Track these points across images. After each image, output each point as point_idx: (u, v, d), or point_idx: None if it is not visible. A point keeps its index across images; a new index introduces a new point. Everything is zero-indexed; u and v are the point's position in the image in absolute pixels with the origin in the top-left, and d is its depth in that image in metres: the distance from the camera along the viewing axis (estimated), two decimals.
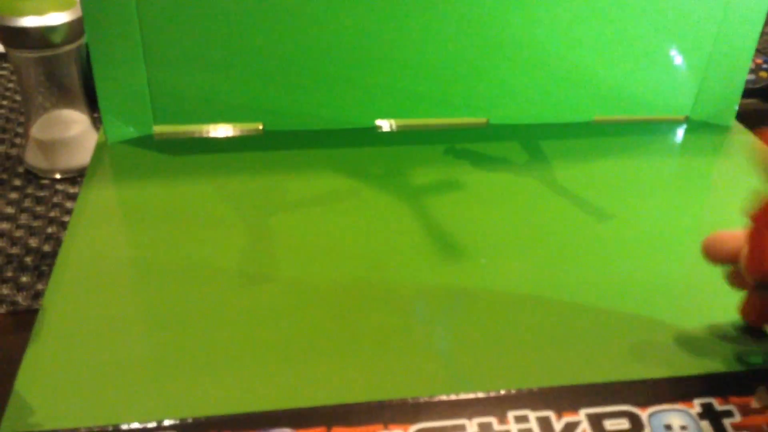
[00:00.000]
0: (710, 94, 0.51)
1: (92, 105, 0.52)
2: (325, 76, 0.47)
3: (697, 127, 0.52)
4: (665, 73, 0.50)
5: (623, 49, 0.49)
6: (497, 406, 0.28)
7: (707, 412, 0.29)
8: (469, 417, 0.28)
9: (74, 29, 0.48)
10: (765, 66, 0.74)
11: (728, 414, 0.29)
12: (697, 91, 0.51)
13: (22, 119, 0.60)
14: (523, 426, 0.28)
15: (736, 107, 0.52)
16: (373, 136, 0.49)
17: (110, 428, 0.27)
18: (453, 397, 0.29)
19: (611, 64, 0.49)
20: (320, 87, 0.47)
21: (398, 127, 0.50)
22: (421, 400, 0.29)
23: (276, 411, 0.28)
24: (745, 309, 0.33)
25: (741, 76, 0.50)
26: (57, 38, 0.48)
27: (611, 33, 0.48)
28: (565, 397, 0.29)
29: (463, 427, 0.27)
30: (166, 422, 0.27)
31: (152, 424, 0.27)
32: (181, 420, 0.27)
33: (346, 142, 0.47)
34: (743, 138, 0.51)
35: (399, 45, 0.46)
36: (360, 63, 0.47)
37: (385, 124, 0.50)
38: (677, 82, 0.51)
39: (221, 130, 0.48)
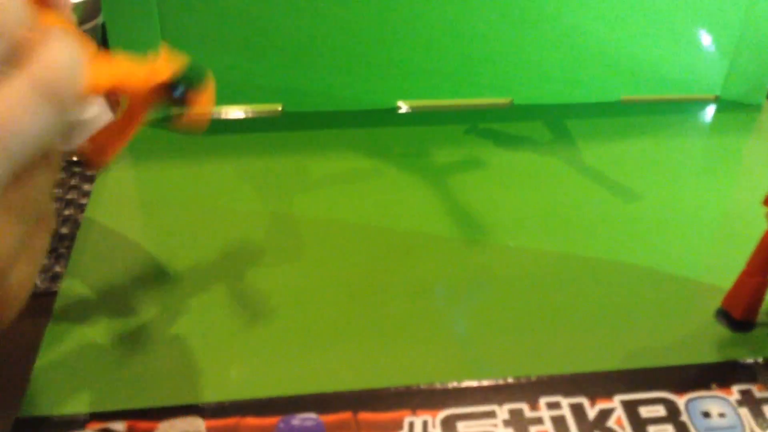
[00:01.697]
0: (741, 73, 0.49)
1: None
2: (345, 56, 0.46)
3: (727, 106, 0.50)
4: (695, 52, 0.49)
5: (651, 28, 0.47)
6: (529, 392, 0.28)
7: (747, 399, 0.28)
8: (500, 403, 0.27)
9: (90, 8, 0.48)
10: None
11: (767, 401, 0.28)
12: (728, 70, 0.49)
13: None
14: (555, 412, 0.27)
15: (767, 87, 0.50)
16: (394, 116, 0.48)
17: (131, 411, 0.26)
18: (484, 383, 0.28)
19: (639, 42, 0.48)
20: (340, 67, 0.46)
21: (420, 107, 0.49)
22: (450, 386, 0.28)
23: (301, 396, 0.27)
24: None
25: None
26: (74, 14, 0.47)
27: (639, 11, 0.47)
28: (599, 384, 0.28)
29: (493, 414, 0.27)
30: (190, 404, 0.27)
31: (175, 406, 0.26)
32: (205, 404, 0.27)
33: (368, 123, 0.46)
34: None
35: (420, 24, 0.45)
36: (381, 43, 0.46)
37: (406, 106, 0.49)
38: (707, 61, 0.49)
39: (240, 111, 0.47)
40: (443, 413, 0.27)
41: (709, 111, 0.50)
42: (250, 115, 0.47)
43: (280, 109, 0.47)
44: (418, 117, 0.48)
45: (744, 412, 0.27)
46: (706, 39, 0.48)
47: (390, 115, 0.48)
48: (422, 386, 0.28)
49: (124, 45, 0.43)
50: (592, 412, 0.27)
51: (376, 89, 0.47)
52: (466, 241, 0.36)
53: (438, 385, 0.28)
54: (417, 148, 0.44)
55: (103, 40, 0.46)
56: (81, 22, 0.48)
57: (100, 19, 0.49)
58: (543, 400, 0.27)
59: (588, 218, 0.38)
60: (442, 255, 0.36)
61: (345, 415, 0.26)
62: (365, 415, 0.26)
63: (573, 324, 0.31)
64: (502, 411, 0.27)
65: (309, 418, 0.26)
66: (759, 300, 0.30)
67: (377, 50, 0.46)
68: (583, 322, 0.32)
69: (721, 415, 0.27)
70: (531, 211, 0.39)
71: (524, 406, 0.27)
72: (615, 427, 0.26)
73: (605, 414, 0.27)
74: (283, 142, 0.44)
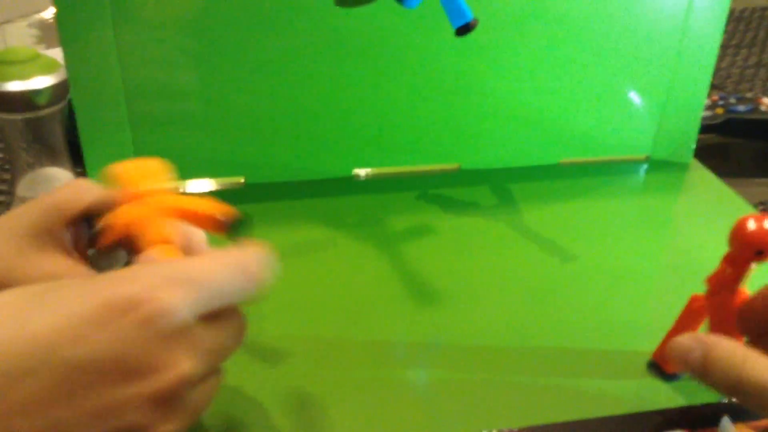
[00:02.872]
0: (668, 133, 0.54)
1: (75, 161, 0.53)
2: (303, 129, 0.49)
3: (657, 165, 0.55)
4: (625, 115, 0.53)
5: (583, 95, 0.52)
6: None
7: None
8: None
9: (58, 91, 0.50)
10: (721, 102, 0.77)
11: None
12: (656, 131, 0.54)
13: (7, 176, 0.61)
14: None
15: (694, 145, 0.54)
16: (350, 184, 0.51)
17: None
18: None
19: (573, 109, 0.52)
20: (299, 139, 0.49)
21: (374, 175, 0.52)
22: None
23: None
24: None
25: (697, 115, 0.53)
26: (42, 101, 0.49)
27: (571, 80, 0.51)
28: None
29: None
30: None
31: None
32: None
33: (326, 192, 0.49)
34: (701, 175, 0.54)
35: (373, 96, 0.49)
36: (337, 116, 0.49)
37: (362, 173, 0.52)
38: (637, 123, 0.54)
39: (204, 185, 0.50)
40: None
41: (641, 171, 0.54)
42: (213, 188, 0.50)
43: (242, 181, 0.50)
44: (372, 184, 0.51)
45: None
46: (634, 102, 0.53)
47: (346, 183, 0.51)
48: None
49: (93, 129, 0.45)
50: None
51: (332, 159, 0.50)
52: (417, 307, 0.39)
53: None
54: (372, 215, 0.47)
55: (69, 117, 0.48)
56: (49, 104, 0.51)
57: (67, 100, 0.51)
58: None
59: (529, 280, 0.42)
60: (395, 322, 0.38)
61: None
62: None
63: (511, 380, 0.34)
64: None
65: None
66: None
67: (332, 122, 0.49)
68: (521, 378, 0.34)
69: None
70: (476, 275, 0.42)
71: None
72: None
73: None
74: (244, 214, 0.47)
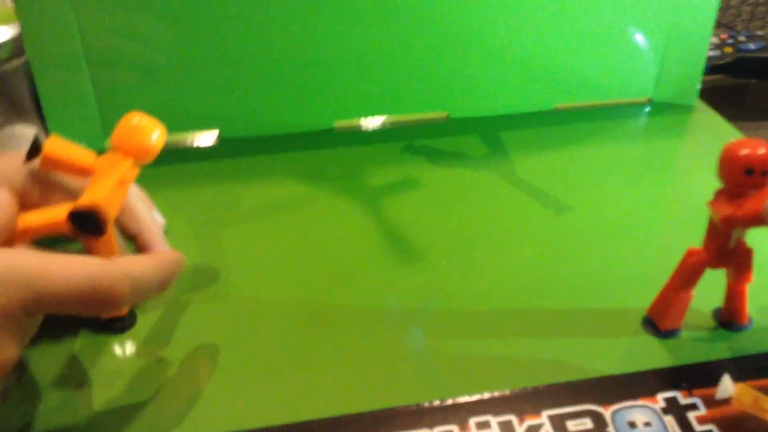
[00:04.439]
0: (671, 74, 0.51)
1: (43, 118, 0.51)
2: (280, 79, 0.46)
3: (660, 108, 0.51)
4: (625, 56, 0.50)
5: (581, 36, 0.48)
6: (457, 413, 0.28)
7: (671, 407, 0.28)
8: (430, 426, 0.27)
9: (20, 43, 0.47)
10: (730, 41, 0.73)
11: (693, 407, 0.28)
12: (658, 72, 0.51)
13: None
14: None
15: (698, 86, 0.51)
16: (332, 137, 0.48)
17: None
18: (411, 407, 0.28)
19: (570, 51, 0.49)
20: (276, 91, 0.46)
21: (357, 126, 0.49)
22: (376, 412, 0.28)
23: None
24: None
25: (701, 55, 0.50)
26: (3, 54, 0.47)
27: (568, 20, 0.47)
28: (527, 400, 0.28)
29: None
30: None
31: None
32: None
33: (305, 146, 0.46)
34: (706, 116, 0.51)
35: (354, 44, 0.46)
36: (316, 64, 0.46)
37: (342, 125, 0.49)
38: (637, 64, 0.50)
39: (175, 140, 0.47)
40: None
41: (643, 114, 0.51)
42: (185, 144, 0.47)
43: (216, 135, 0.47)
44: (355, 137, 0.48)
45: (669, 419, 0.28)
46: (634, 43, 0.49)
47: (328, 136, 0.48)
48: (350, 415, 0.28)
49: (50, 80, 0.43)
50: (520, 430, 0.27)
51: (312, 110, 0.47)
52: (401, 264, 0.36)
53: (366, 413, 0.28)
54: (354, 169, 0.44)
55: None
56: (12, 57, 0.48)
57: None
58: (473, 421, 0.28)
59: (522, 231, 0.39)
60: (383, 278, 0.36)
61: None
62: None
63: (502, 341, 0.32)
64: None
65: None
66: (682, 311, 0.31)
67: (312, 71, 0.46)
68: (514, 337, 0.32)
69: (647, 424, 0.28)
70: (463, 229, 0.39)
71: (454, 428, 0.27)
72: None
73: (533, 430, 0.27)
74: (218, 170, 0.44)
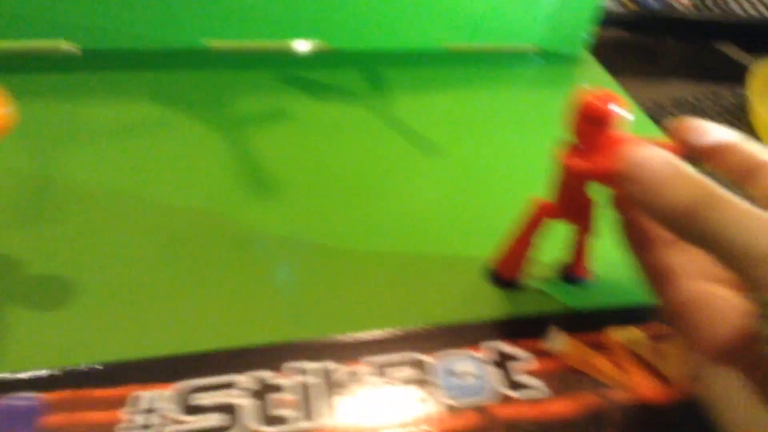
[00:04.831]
0: (561, 24, 0.49)
1: None
2: None
3: (548, 57, 0.50)
4: (516, 1, 0.48)
5: None
6: (273, 358, 0.27)
7: (495, 357, 0.28)
8: (241, 371, 0.26)
9: None
10: None
11: (517, 358, 0.28)
12: (549, 20, 0.49)
13: None
14: (300, 378, 0.26)
15: (587, 38, 0.50)
16: (200, 58, 0.45)
17: None
18: (222, 352, 0.27)
19: None
20: (143, 1, 0.43)
21: (229, 48, 0.46)
22: (185, 355, 0.26)
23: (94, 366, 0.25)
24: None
25: (591, 5, 0.49)
26: None
27: None
28: (347, 348, 0.28)
29: (232, 384, 0.26)
30: None
31: None
32: None
33: (171, 64, 0.43)
34: (592, 71, 0.50)
35: None
36: None
37: (216, 44, 0.46)
38: (530, 10, 0.49)
39: (23, 47, 0.43)
40: (178, 385, 0.25)
41: (531, 63, 0.50)
42: (35, 52, 0.43)
43: (72, 46, 0.43)
44: (226, 59, 0.45)
45: (491, 369, 0.27)
46: None
47: (196, 56, 0.45)
48: (156, 358, 0.26)
49: None
50: (336, 376, 0.26)
51: (183, 27, 0.44)
52: (263, 196, 0.35)
53: (174, 357, 0.26)
54: (221, 95, 0.41)
55: None
56: None
57: None
58: (287, 366, 0.27)
59: (393, 173, 0.38)
60: (236, 211, 0.34)
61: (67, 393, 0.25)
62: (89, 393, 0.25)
63: (335, 287, 0.31)
64: (246, 379, 0.26)
65: (23, 397, 0.24)
66: (522, 261, 0.31)
67: None
68: (356, 280, 0.31)
69: (468, 373, 0.27)
70: (335, 165, 0.37)
71: (267, 374, 0.26)
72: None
73: (353, 376, 0.26)
74: (72, 84, 0.41)
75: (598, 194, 0.28)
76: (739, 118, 0.57)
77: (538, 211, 0.29)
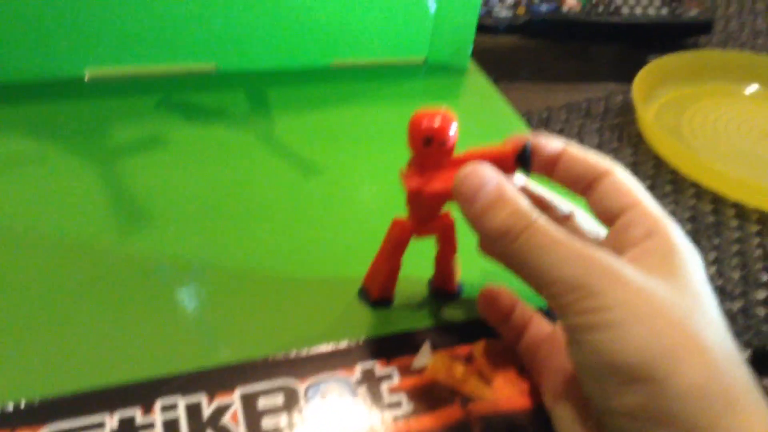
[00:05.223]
0: (444, 36, 0.51)
1: None
2: (22, 19, 0.41)
3: (435, 69, 0.52)
4: (400, 14, 0.49)
5: None
6: (143, 395, 0.27)
7: (366, 378, 0.29)
8: (110, 410, 0.26)
9: None
10: (524, 2, 0.75)
11: (388, 377, 0.29)
12: (432, 33, 0.51)
13: None
14: (169, 415, 0.26)
15: (470, 49, 0.52)
16: (78, 88, 0.44)
17: None
18: (88, 389, 0.27)
19: (344, 5, 0.47)
20: (18, 30, 0.42)
21: (109, 76, 0.45)
22: (51, 398, 0.26)
23: None
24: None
25: (472, 16, 0.50)
26: None
27: None
28: (222, 378, 0.28)
29: (101, 425, 0.26)
30: None
31: None
32: None
33: (46, 96, 0.43)
34: (477, 80, 0.52)
35: None
36: (63, 3, 0.42)
37: (95, 73, 0.45)
38: (413, 23, 0.50)
39: None
40: (47, 428, 0.25)
41: (418, 76, 0.51)
42: None
43: None
44: (106, 87, 0.44)
45: (362, 391, 0.28)
46: (407, 1, 0.49)
47: (75, 85, 0.44)
48: (25, 403, 0.26)
49: None
50: (208, 410, 0.27)
51: (59, 55, 0.43)
52: (135, 227, 0.35)
53: (47, 398, 0.26)
54: (95, 124, 0.41)
55: None
56: None
57: None
58: (159, 403, 0.27)
59: (269, 197, 0.38)
60: (95, 249, 0.33)
61: None
62: None
63: (216, 315, 0.31)
64: (112, 420, 0.26)
65: None
66: (393, 280, 0.32)
67: (63, 10, 0.42)
68: (213, 316, 0.31)
69: (339, 396, 0.28)
70: (207, 193, 0.38)
71: (137, 411, 0.26)
72: (229, 423, 0.27)
73: (222, 410, 0.27)
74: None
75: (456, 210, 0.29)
76: (628, 119, 0.60)
77: (398, 231, 0.30)
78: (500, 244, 0.24)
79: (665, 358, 0.20)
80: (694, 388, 0.20)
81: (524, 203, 0.24)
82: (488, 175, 0.25)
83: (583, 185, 0.27)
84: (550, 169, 0.28)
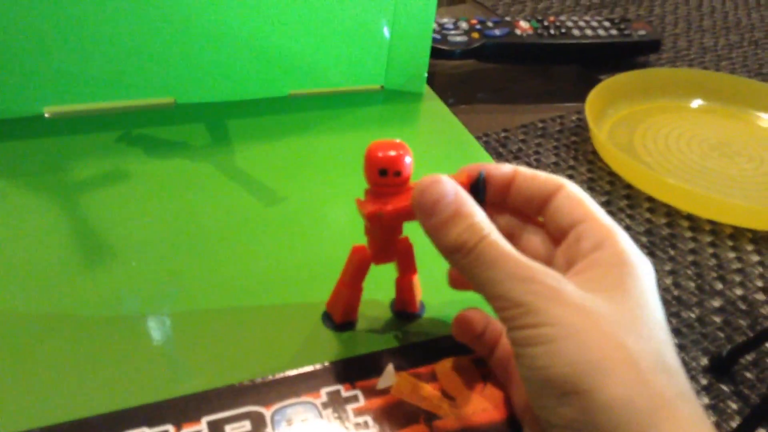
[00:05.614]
0: (399, 62, 0.52)
1: None
2: None
3: (391, 96, 0.53)
4: (355, 43, 0.50)
5: (309, 22, 0.48)
6: (109, 427, 0.27)
7: (332, 401, 0.29)
8: None
9: None
10: (478, 26, 0.77)
11: (353, 399, 0.29)
12: (387, 60, 0.52)
13: None
14: None
15: (425, 74, 0.53)
16: (37, 125, 0.44)
17: None
18: (52, 425, 0.27)
19: (301, 36, 0.48)
20: None
21: (69, 113, 0.45)
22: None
23: None
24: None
25: (425, 43, 0.52)
26: None
27: (298, 5, 0.47)
28: (188, 407, 0.28)
29: None
30: None
31: None
32: None
33: (2, 135, 0.43)
34: (433, 105, 0.53)
35: (67, 21, 0.42)
36: (21, 43, 0.42)
37: (54, 112, 0.45)
38: (368, 52, 0.51)
39: None
40: None
41: (376, 102, 0.52)
42: None
43: None
44: (65, 125, 0.45)
45: (328, 413, 0.29)
46: (362, 30, 0.50)
47: (33, 124, 0.44)
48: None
49: None
50: None
51: (16, 94, 0.43)
52: (87, 266, 0.35)
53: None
54: (55, 162, 0.41)
55: None
56: None
57: None
58: None
59: (232, 225, 0.38)
60: (69, 280, 0.34)
61: None
62: None
63: (179, 345, 0.31)
64: None
65: None
66: (355, 304, 0.32)
67: (17, 51, 0.42)
68: (192, 341, 0.31)
69: (304, 420, 0.28)
70: (168, 225, 0.38)
71: None
72: None
73: None
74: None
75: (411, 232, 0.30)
76: (583, 137, 0.61)
77: (358, 258, 0.30)
78: (454, 259, 0.24)
79: (593, 370, 0.21)
80: (618, 400, 0.21)
81: (479, 218, 0.25)
82: (447, 188, 0.25)
83: (536, 204, 0.28)
84: (504, 194, 0.28)
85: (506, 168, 0.28)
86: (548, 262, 0.27)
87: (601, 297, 0.23)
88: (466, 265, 0.24)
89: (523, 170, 0.28)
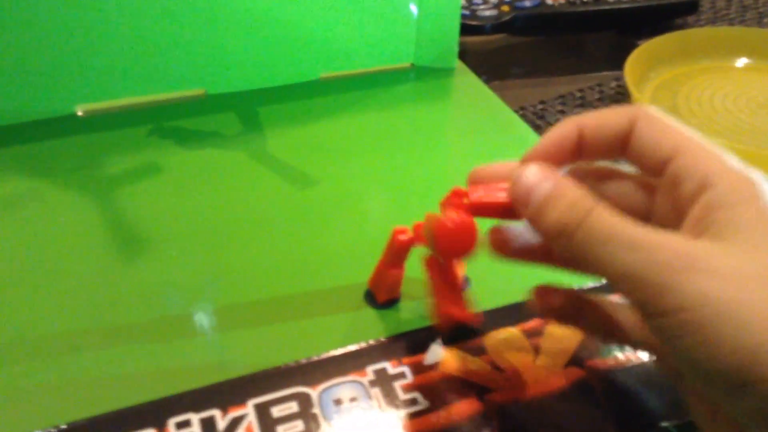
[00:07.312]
0: (429, 38, 0.51)
1: None
2: (9, 59, 0.42)
3: (422, 73, 0.52)
4: (383, 22, 0.49)
5: (335, 3, 0.47)
6: (156, 414, 0.27)
7: (379, 378, 0.29)
8: (130, 430, 0.26)
9: None
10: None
11: (401, 376, 0.29)
12: (417, 37, 0.51)
13: None
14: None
15: (456, 48, 0.52)
16: (71, 124, 0.44)
17: None
18: (101, 414, 0.27)
19: (328, 19, 0.48)
20: (4, 73, 0.42)
21: (101, 110, 0.46)
22: (65, 426, 0.26)
23: None
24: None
25: (455, 16, 0.50)
26: None
27: None
28: (233, 391, 0.28)
29: None
30: None
31: None
32: None
33: (38, 136, 0.43)
34: (467, 80, 0.52)
35: (98, 19, 0.42)
36: (54, 42, 0.42)
37: (86, 110, 0.45)
38: (396, 30, 0.50)
39: None
40: None
41: (407, 80, 0.51)
42: None
43: None
44: (98, 122, 0.45)
45: (376, 392, 0.28)
46: (389, 8, 0.49)
47: (66, 123, 0.44)
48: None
49: None
50: (223, 423, 0.27)
51: (48, 96, 0.44)
52: (134, 254, 0.35)
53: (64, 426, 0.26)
54: (90, 159, 0.41)
55: None
56: None
57: None
58: (172, 421, 0.27)
59: (267, 213, 0.38)
60: (102, 277, 0.34)
61: None
62: None
63: (224, 331, 0.31)
64: None
65: None
66: (397, 284, 0.32)
67: (50, 50, 0.42)
68: (237, 327, 0.31)
69: (353, 399, 0.28)
70: (205, 214, 0.37)
71: None
72: None
73: (236, 422, 0.27)
74: None
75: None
76: (623, 104, 0.59)
77: (398, 240, 0.30)
78: (562, 245, 0.21)
79: (766, 353, 0.17)
80: None
81: (577, 193, 0.21)
82: (541, 171, 0.22)
83: (616, 150, 0.23)
84: (576, 154, 0.24)
85: (566, 128, 0.24)
86: (647, 218, 0.23)
87: (738, 251, 0.18)
88: (577, 249, 0.20)
89: (587, 120, 0.24)
